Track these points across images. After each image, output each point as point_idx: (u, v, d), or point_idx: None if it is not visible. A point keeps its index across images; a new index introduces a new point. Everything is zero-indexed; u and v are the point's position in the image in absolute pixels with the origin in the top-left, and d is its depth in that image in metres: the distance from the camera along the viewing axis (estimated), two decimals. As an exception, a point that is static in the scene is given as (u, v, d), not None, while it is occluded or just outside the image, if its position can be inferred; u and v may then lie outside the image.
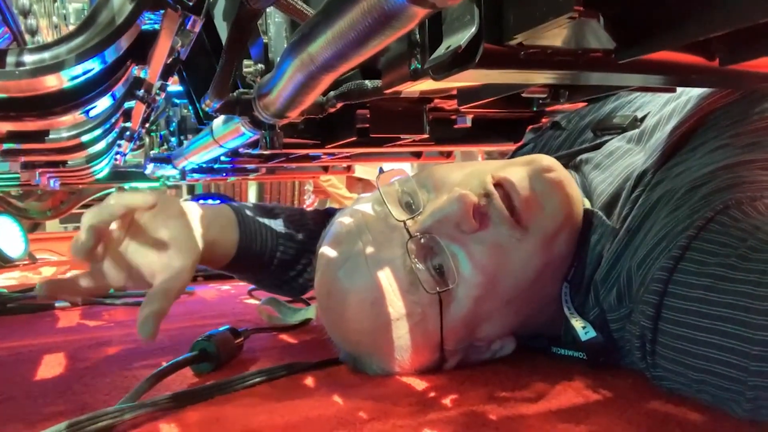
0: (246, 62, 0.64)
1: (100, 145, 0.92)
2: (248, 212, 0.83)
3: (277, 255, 0.83)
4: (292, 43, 0.41)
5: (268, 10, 0.66)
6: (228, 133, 0.88)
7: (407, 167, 2.22)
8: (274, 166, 1.39)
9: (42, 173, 1.21)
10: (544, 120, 0.91)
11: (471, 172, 0.65)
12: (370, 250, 0.62)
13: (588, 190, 0.70)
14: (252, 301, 1.20)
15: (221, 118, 0.88)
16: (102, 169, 1.34)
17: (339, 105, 0.60)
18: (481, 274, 0.61)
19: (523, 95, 0.50)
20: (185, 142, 1.30)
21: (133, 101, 0.73)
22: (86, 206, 3.00)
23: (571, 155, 0.76)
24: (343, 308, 0.64)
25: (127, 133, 1.05)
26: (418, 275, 0.60)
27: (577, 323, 0.62)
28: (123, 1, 0.42)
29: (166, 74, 0.69)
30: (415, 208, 0.63)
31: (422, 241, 0.61)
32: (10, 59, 0.43)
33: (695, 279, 0.50)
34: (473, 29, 0.33)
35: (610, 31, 0.31)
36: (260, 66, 0.64)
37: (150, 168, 1.68)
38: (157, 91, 0.73)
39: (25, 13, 0.56)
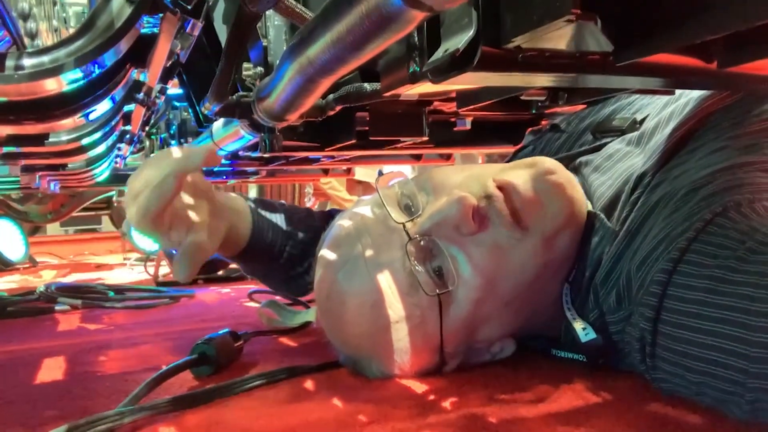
0: (245, 65, 0.64)
1: (100, 148, 0.93)
2: (259, 205, 0.84)
3: (287, 249, 0.84)
4: (291, 46, 0.42)
5: (267, 13, 0.66)
6: (228, 136, 0.88)
7: (407, 170, 2.22)
8: (274, 168, 1.39)
9: (42, 176, 1.21)
10: (543, 122, 0.91)
11: (471, 174, 0.65)
12: (369, 252, 0.62)
13: (588, 193, 0.70)
14: (252, 304, 1.20)
15: (221, 121, 0.88)
16: (102, 172, 1.34)
17: (338, 108, 0.60)
18: (481, 275, 0.61)
19: (522, 98, 0.50)
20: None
21: (133, 104, 0.73)
22: (86, 209, 3.00)
23: (571, 157, 0.76)
24: (342, 311, 0.64)
25: (127, 136, 1.05)
26: (417, 277, 0.60)
27: (578, 324, 0.62)
28: (122, 4, 0.43)
29: (165, 77, 0.69)
30: (414, 211, 0.63)
31: (421, 243, 0.61)
32: (10, 63, 0.43)
33: (694, 281, 0.49)
34: (471, 32, 0.33)
35: (607, 34, 0.31)
36: (259, 69, 0.65)
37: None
38: (157, 94, 0.73)
39: (25, 16, 0.56)
